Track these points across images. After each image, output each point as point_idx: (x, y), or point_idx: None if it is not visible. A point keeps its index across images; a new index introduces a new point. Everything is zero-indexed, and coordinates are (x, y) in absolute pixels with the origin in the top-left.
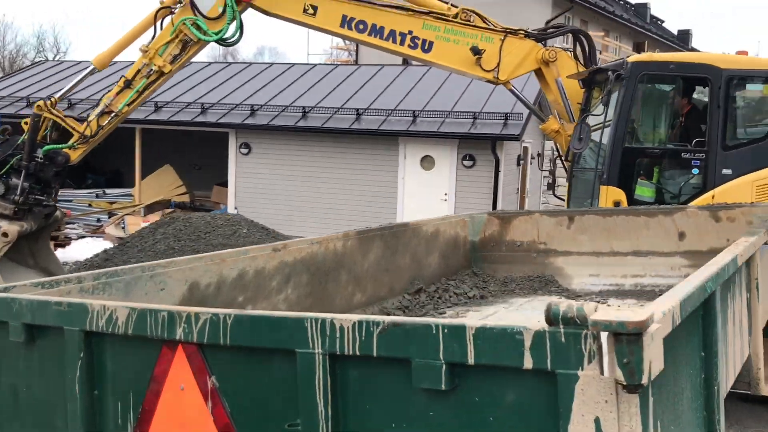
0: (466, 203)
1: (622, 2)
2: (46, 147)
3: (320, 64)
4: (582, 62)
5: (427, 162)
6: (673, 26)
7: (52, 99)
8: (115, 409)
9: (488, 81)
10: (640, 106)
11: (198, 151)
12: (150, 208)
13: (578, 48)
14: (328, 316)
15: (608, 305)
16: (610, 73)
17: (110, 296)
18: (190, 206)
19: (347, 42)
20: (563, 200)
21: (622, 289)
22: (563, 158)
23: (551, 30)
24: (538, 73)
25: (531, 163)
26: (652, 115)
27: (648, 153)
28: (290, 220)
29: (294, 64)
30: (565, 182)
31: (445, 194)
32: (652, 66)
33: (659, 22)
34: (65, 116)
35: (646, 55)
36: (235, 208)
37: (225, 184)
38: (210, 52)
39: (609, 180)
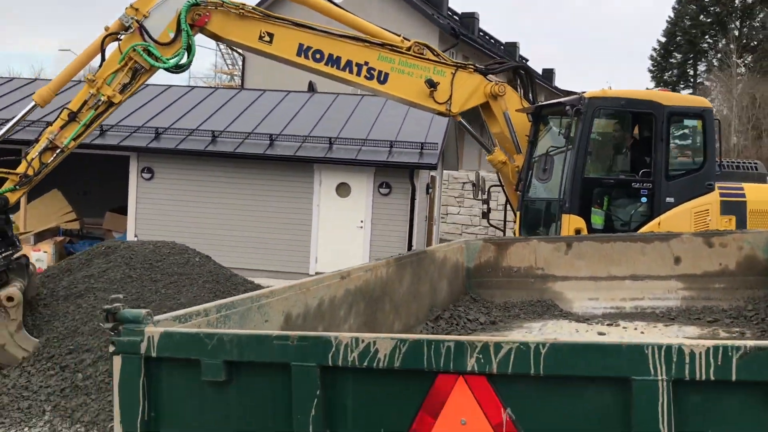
0: (382, 231)
1: (493, 41)
2: None
3: (221, 87)
4: (523, 96)
5: (342, 189)
6: (537, 65)
7: None
8: None
9: (440, 113)
10: (596, 138)
11: (86, 176)
12: (40, 236)
13: (518, 82)
14: (673, 342)
15: (624, 327)
16: (568, 107)
17: (229, 328)
18: (78, 234)
19: (231, 65)
20: (498, 228)
21: (624, 311)
22: (515, 188)
23: (496, 65)
24: (484, 106)
25: (436, 192)
26: (606, 147)
27: (604, 183)
28: (198, 248)
29: (194, 87)
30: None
31: (362, 222)
32: (607, 101)
33: (525, 61)
34: None
35: (601, 91)
36: (136, 236)
37: (119, 211)
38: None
39: (570, 209)
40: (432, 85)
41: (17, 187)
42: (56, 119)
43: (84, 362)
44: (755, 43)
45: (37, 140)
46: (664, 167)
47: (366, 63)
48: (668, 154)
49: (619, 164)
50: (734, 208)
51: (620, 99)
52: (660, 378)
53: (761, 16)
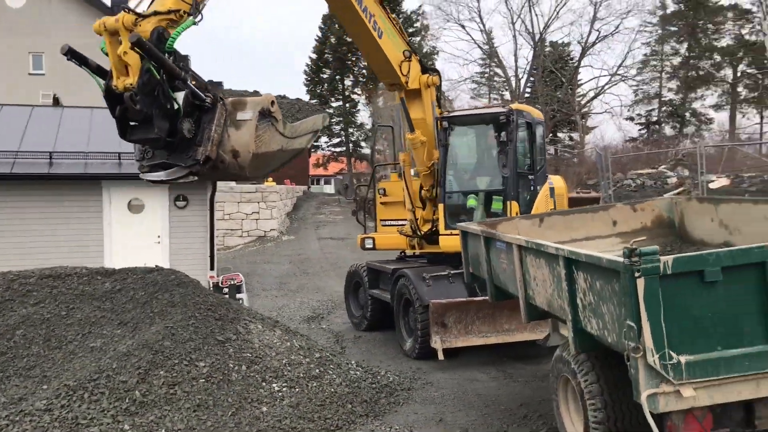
0: (181, 244)
1: None
2: (170, 41)
3: None
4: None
5: (135, 206)
6: (206, 76)
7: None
8: None
9: (397, 85)
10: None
11: None
12: None
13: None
14: None
15: None
16: (503, 117)
17: None
18: None
19: None
20: (361, 224)
21: None
22: (437, 181)
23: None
24: (412, 92)
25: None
26: (518, 148)
27: (521, 176)
28: None
29: None
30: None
31: (159, 237)
32: (520, 113)
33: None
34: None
35: (515, 105)
36: None
37: None
38: None
39: (513, 196)
40: (408, 56)
41: (193, 19)
42: None
43: (127, 383)
44: None
45: None
46: (532, 163)
47: (373, 15)
48: (536, 153)
49: (524, 162)
50: (552, 192)
51: (522, 111)
52: None
53: None
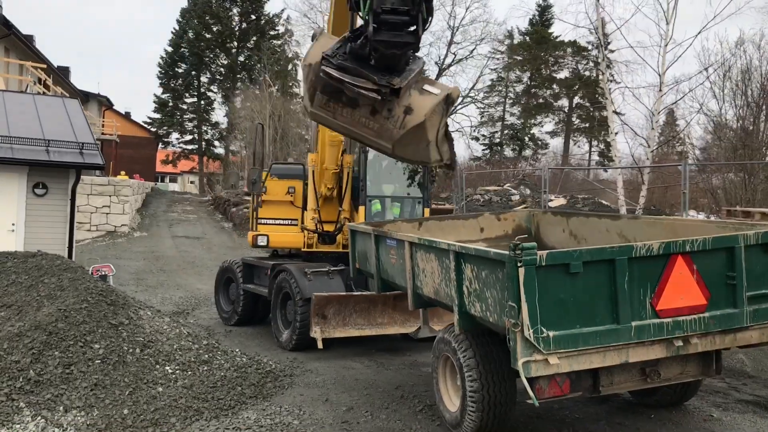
0: (38, 233)
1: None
2: None
3: None
4: None
5: None
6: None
7: None
8: (638, 291)
9: None
10: None
11: None
12: None
13: None
14: None
15: None
16: None
17: None
18: None
19: None
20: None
21: None
22: (346, 182)
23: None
24: None
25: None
26: None
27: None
28: None
29: None
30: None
31: (13, 225)
32: None
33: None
34: None
35: None
36: None
37: None
38: None
39: (427, 203)
40: None
41: None
42: None
43: (20, 363)
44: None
45: None
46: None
47: None
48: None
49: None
50: None
51: None
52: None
53: (254, 39)
